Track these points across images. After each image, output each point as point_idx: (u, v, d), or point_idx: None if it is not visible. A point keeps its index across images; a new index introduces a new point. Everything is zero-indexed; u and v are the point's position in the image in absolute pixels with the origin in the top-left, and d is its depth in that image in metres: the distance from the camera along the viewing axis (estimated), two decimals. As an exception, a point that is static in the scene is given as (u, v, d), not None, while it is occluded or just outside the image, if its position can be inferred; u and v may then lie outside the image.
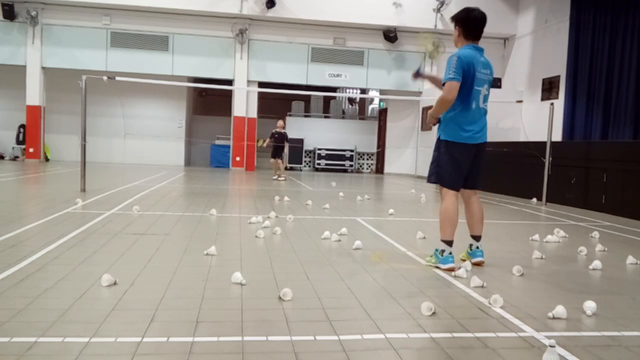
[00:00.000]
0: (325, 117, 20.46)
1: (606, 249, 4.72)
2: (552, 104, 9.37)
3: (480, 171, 3.89)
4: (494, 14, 15.13)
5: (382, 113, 19.25)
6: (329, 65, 16.80)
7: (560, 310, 2.69)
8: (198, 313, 2.55)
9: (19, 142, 17.20)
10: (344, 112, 21.63)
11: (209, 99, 22.58)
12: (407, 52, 16.89)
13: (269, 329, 2.37)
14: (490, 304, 2.86)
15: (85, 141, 8.21)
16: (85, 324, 2.33)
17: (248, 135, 16.67)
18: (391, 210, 6.91)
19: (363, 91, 19.90)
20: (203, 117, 20.51)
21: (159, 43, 16.04)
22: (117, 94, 17.33)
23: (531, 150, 9.44)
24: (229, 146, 17.30)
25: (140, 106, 18.09)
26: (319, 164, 18.68)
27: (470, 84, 3.63)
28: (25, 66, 15.59)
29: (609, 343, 2.37)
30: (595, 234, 5.57)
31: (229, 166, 17.29)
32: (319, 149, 18.66)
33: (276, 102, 20.27)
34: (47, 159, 16.90)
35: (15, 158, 17.06)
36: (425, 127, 16.37)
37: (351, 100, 24.78)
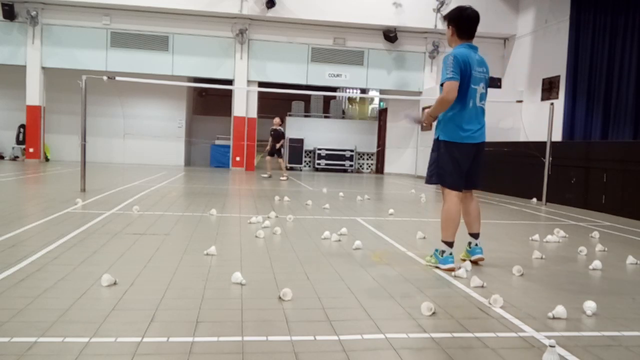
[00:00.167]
0: (325, 117, 20.46)
1: (606, 249, 4.72)
2: (552, 104, 9.37)
3: (479, 171, 3.88)
4: (494, 14, 15.17)
5: (382, 113, 19.26)
6: (329, 65, 16.80)
7: (560, 310, 2.69)
8: (198, 313, 2.55)
9: (19, 142, 17.20)
10: (344, 112, 21.63)
11: (209, 99, 22.59)
12: (407, 52, 16.90)
13: (269, 329, 2.37)
14: (490, 304, 2.86)
15: (85, 141, 8.21)
16: (85, 324, 2.33)
17: (248, 135, 16.67)
18: (391, 210, 6.91)
19: (363, 91, 19.91)
20: (203, 117, 20.51)
21: (159, 43, 16.04)
22: (117, 94, 17.33)
23: (531, 150, 9.44)
24: (229, 146, 17.30)
25: (140, 106, 18.09)
26: (319, 164, 18.68)
27: (467, 83, 3.62)
28: (25, 66, 15.60)
29: (609, 343, 2.37)
30: (595, 234, 5.56)
31: (229, 166, 17.29)
32: (319, 149, 18.67)
33: (276, 102, 20.28)
34: (47, 159, 16.90)
35: (15, 158, 17.06)
36: (425, 126, 16.37)
37: (351, 100, 24.77)
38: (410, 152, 17.96)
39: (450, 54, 3.63)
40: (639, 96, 10.65)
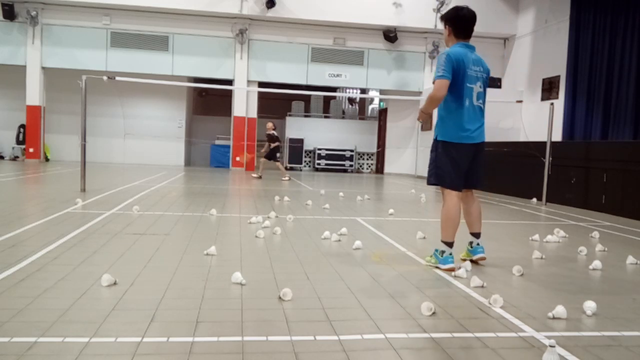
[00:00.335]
0: (325, 117, 20.46)
1: (606, 249, 4.72)
2: (552, 104, 9.37)
3: (480, 171, 3.89)
4: (494, 14, 15.18)
5: (382, 113, 19.25)
6: (329, 65, 16.80)
7: (560, 310, 2.69)
8: (198, 313, 2.55)
9: (19, 142, 17.20)
10: (344, 112, 21.63)
11: (209, 99, 22.58)
12: (407, 52, 16.90)
13: (269, 329, 2.37)
14: (490, 304, 2.86)
15: (85, 141, 8.21)
16: (85, 324, 2.33)
17: (248, 135, 16.67)
18: (391, 210, 6.91)
19: (363, 91, 19.91)
20: (203, 117, 20.51)
21: (159, 43, 16.04)
22: (117, 94, 17.34)
23: (531, 150, 9.44)
24: (229, 146, 17.30)
25: (140, 106, 18.09)
26: (319, 164, 18.67)
27: (461, 82, 3.65)
28: (25, 66, 15.60)
29: (609, 343, 2.37)
30: (595, 234, 5.56)
31: (229, 166, 17.29)
32: (319, 149, 18.66)
33: (276, 102, 20.27)
34: (47, 159, 16.90)
35: (15, 158, 17.06)
36: (425, 127, 16.38)
37: (351, 100, 24.78)
38: (410, 152, 17.96)
39: (444, 53, 3.68)
40: (639, 96, 10.65)
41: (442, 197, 3.84)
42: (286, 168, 17.98)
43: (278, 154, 13.25)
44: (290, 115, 19.55)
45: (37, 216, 5.33)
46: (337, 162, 18.67)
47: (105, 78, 8.63)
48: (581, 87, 12.31)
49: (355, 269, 3.63)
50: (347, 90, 21.85)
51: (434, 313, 2.66)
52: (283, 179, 12.73)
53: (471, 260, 3.88)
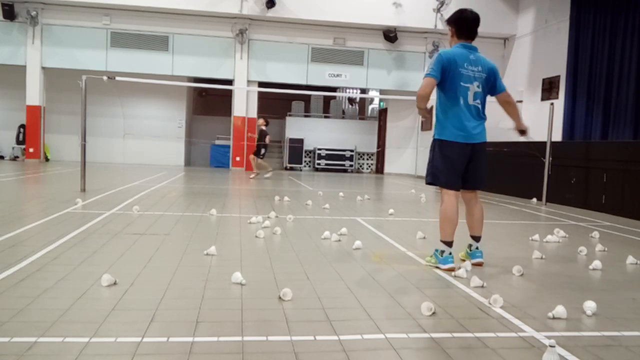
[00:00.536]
0: (325, 117, 20.46)
1: (606, 249, 4.72)
2: (552, 104, 9.37)
3: (480, 172, 3.88)
4: (494, 14, 15.17)
5: (382, 113, 19.25)
6: (329, 65, 16.80)
7: (560, 310, 2.69)
8: (198, 313, 2.55)
9: (19, 142, 17.20)
10: (344, 112, 21.63)
11: (209, 99, 22.58)
12: (407, 52, 16.89)
13: (269, 329, 2.37)
14: (490, 304, 2.86)
15: (85, 141, 8.21)
16: (85, 324, 2.33)
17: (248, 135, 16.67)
18: (391, 210, 6.91)
19: (363, 91, 19.90)
20: (203, 117, 20.51)
21: (159, 43, 16.04)
22: (117, 94, 17.34)
23: (531, 150, 9.44)
24: (229, 146, 17.30)
25: (140, 106, 18.09)
26: (319, 164, 18.67)
27: (453, 81, 3.69)
28: (25, 66, 15.59)
29: (609, 343, 2.37)
30: (595, 234, 5.57)
31: (229, 166, 17.29)
32: (319, 149, 18.66)
33: (276, 102, 20.27)
34: (47, 159, 16.90)
35: (15, 158, 17.06)
36: (425, 126, 16.39)
37: (351, 100, 24.77)
38: (410, 152, 17.96)
39: (438, 52, 3.76)
40: (639, 96, 10.64)
41: (440, 197, 3.85)
42: (286, 168, 18.00)
43: (263, 150, 13.12)
44: (290, 115, 19.55)
45: (37, 216, 5.33)
46: (337, 162, 18.67)
47: (105, 78, 8.63)
48: (581, 87, 12.31)
49: (355, 269, 3.63)
50: (347, 90, 21.84)
51: (434, 313, 2.66)
52: (265, 176, 12.77)
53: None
